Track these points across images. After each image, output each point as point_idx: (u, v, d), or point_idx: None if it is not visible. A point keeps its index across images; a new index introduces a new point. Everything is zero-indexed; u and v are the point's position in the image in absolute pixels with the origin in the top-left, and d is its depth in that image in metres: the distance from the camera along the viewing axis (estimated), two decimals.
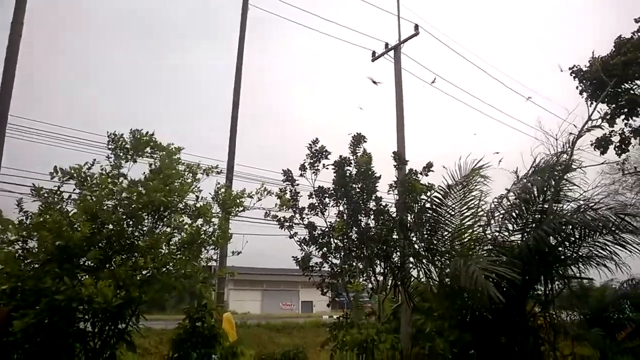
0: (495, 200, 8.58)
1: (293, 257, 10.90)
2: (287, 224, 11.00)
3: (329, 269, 10.80)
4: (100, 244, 6.86)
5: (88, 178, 7.35)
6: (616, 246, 7.42)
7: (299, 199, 11.11)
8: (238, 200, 8.26)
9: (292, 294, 46.46)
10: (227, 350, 7.84)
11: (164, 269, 7.05)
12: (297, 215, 11.01)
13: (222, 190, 8.35)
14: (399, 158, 11.49)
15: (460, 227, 8.46)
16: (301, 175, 11.11)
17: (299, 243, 10.92)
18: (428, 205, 9.08)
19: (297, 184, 11.16)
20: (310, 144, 11.13)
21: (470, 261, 6.63)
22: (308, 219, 11.01)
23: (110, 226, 7.03)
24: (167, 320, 14.49)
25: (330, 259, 10.75)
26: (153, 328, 12.50)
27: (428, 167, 10.65)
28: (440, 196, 8.58)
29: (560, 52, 68.81)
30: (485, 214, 8.59)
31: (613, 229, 7.31)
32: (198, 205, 7.80)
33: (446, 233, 8.72)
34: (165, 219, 7.51)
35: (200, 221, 7.70)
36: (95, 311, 6.37)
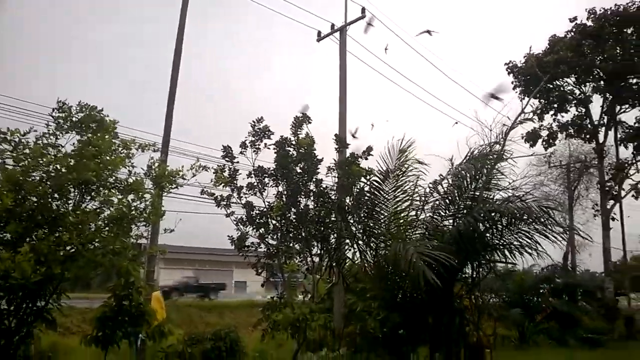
0: (430, 185, 8.81)
1: (229, 236, 10.71)
2: (224, 202, 10.75)
3: (265, 250, 10.70)
4: (22, 217, 6.42)
5: (21, 145, 6.83)
6: (538, 235, 7.84)
7: (237, 177, 10.88)
8: (172, 177, 7.95)
9: (225, 274, 45.95)
10: (154, 330, 7.61)
11: (90, 245, 6.70)
12: (235, 194, 10.79)
13: (156, 165, 8.00)
14: (340, 141, 11.52)
15: (396, 210, 8.64)
16: (241, 153, 10.86)
17: (235, 223, 10.71)
18: (367, 188, 9.18)
19: (237, 162, 10.92)
20: (253, 122, 10.90)
21: (409, 245, 6.79)
22: (246, 198, 10.82)
23: (35, 198, 6.60)
24: (93, 298, 13.89)
25: (267, 239, 10.65)
26: (76, 307, 11.93)
27: (368, 151, 10.74)
28: (378, 180, 8.71)
29: (503, 46, 71.54)
30: (420, 199, 8.82)
31: (537, 218, 7.71)
32: (130, 180, 7.44)
33: (382, 216, 8.89)
34: (93, 193, 7.12)
35: (131, 196, 7.35)
36: (12, 287, 5.96)
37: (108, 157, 7.10)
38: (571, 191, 29.26)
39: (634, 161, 24.63)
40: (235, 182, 10.79)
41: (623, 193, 25.01)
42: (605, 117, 24.74)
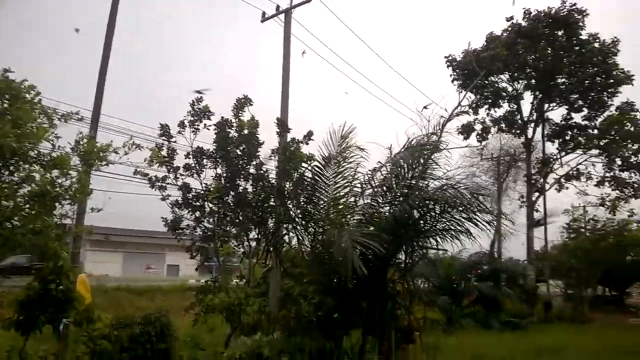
0: (369, 172, 8.90)
1: (162, 218, 10.33)
2: (159, 183, 10.34)
3: (201, 233, 10.43)
4: None
5: None
6: (469, 222, 8.13)
7: (175, 157, 10.48)
8: (102, 154, 7.54)
9: (157, 257, 44.75)
10: (81, 315, 7.24)
11: (8, 224, 6.24)
12: (171, 175, 10.40)
13: (85, 141, 7.55)
14: (282, 125, 11.36)
15: (336, 196, 8.68)
16: (179, 132, 10.46)
17: (171, 205, 10.35)
18: (307, 173, 9.14)
19: (174, 141, 10.52)
20: (193, 102, 10.52)
21: (343, 232, 6.83)
22: (183, 179, 10.46)
23: None
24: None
25: (203, 222, 10.37)
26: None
27: (308, 136, 10.68)
28: (320, 166, 8.71)
29: (447, 40, 73.29)
30: (359, 186, 8.90)
31: (468, 207, 7.99)
32: (54, 154, 6.97)
33: (322, 202, 8.90)
34: (12, 167, 6.61)
35: (55, 172, 6.90)
36: None
37: (29, 129, 6.61)
38: (500, 183, 30.76)
39: (558, 157, 26.15)
40: (172, 162, 10.41)
41: (547, 186, 26.51)
42: (535, 114, 26.09)
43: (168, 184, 10.36)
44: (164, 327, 8.68)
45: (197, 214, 10.25)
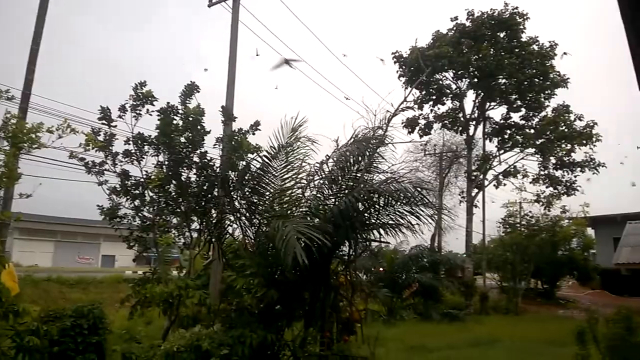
0: (317, 164, 8.87)
1: (98, 206, 9.83)
2: (97, 169, 9.83)
3: (140, 222, 10.02)
4: None
5: None
6: (412, 216, 8.28)
7: (113, 142, 9.98)
8: (33, 135, 7.07)
9: (92, 247, 42.99)
10: (7, 308, 6.78)
11: None
12: (110, 161, 9.90)
13: (13, 121, 7.05)
14: (227, 113, 11.10)
15: (282, 188, 8.60)
16: (120, 117, 9.95)
17: (108, 192, 9.86)
18: (253, 164, 9.00)
19: (115, 126, 10.01)
20: (135, 85, 10.03)
21: (288, 223, 6.76)
22: (122, 166, 9.99)
23: None
24: None
25: (142, 211, 9.96)
26: None
27: (255, 126, 10.47)
28: (268, 156, 8.61)
29: (396, 36, 74.19)
30: (306, 178, 8.85)
31: (411, 200, 8.12)
32: None
33: (268, 193, 8.79)
34: None
35: None
36: None
37: None
38: (442, 178, 31.73)
39: (497, 154, 27.17)
40: (111, 147, 9.91)
41: (486, 182, 27.52)
42: (476, 112, 26.96)
43: (106, 170, 9.86)
44: (97, 320, 8.34)
45: (137, 202, 9.83)
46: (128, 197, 9.83)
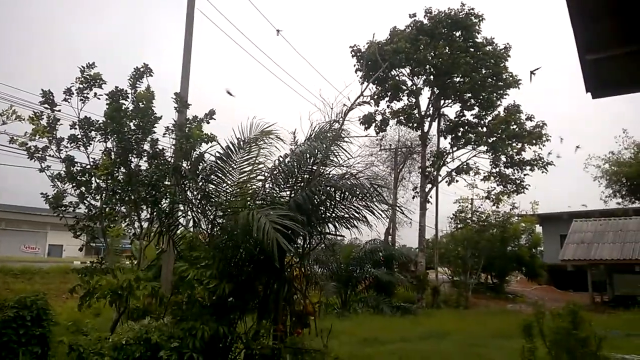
0: (280, 158, 8.81)
1: (42, 194, 9.35)
2: (39, 154, 9.33)
3: (87, 211, 9.61)
4: None
5: None
6: (366, 210, 8.36)
7: (58, 127, 9.49)
8: None
9: (38, 236, 41.20)
10: None
11: None
12: (54, 146, 9.43)
13: None
14: (181, 101, 10.79)
15: (239, 180, 8.51)
16: (65, 100, 9.47)
17: (51, 178, 9.38)
18: (208, 154, 8.84)
19: (59, 110, 9.52)
20: (82, 67, 9.55)
21: (260, 213, 6.73)
22: (67, 152, 9.52)
23: None
24: None
25: (89, 199, 9.55)
26: None
27: (210, 115, 10.21)
28: (228, 151, 8.55)
29: (355, 31, 74.49)
30: (264, 171, 8.79)
31: (367, 195, 8.20)
32: None
33: (224, 184, 8.67)
34: None
35: None
36: None
37: None
38: (397, 173, 32.25)
39: (450, 151, 27.81)
40: (54, 132, 9.43)
41: (440, 178, 28.13)
42: (431, 109, 27.48)
43: (49, 155, 9.38)
44: (41, 311, 8.02)
45: (83, 189, 9.41)
46: (73, 184, 9.40)
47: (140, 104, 9.53)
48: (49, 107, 9.35)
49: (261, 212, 6.88)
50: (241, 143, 8.64)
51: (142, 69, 9.91)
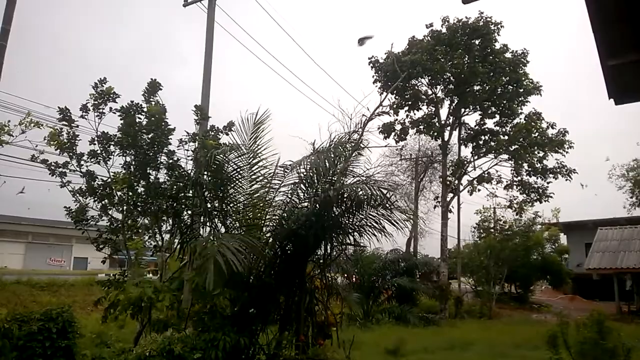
0: (291, 164, 8.85)
1: (65, 207, 9.54)
2: (60, 170, 9.51)
3: (109, 224, 9.75)
4: None
5: None
6: (387, 220, 8.30)
7: (77, 143, 9.68)
8: None
9: (63, 249, 41.99)
10: None
11: None
12: (74, 162, 9.61)
13: None
14: (201, 112, 10.92)
15: (251, 190, 8.58)
16: (82, 117, 9.66)
17: (72, 193, 9.57)
18: (227, 165, 8.90)
19: (77, 126, 9.72)
20: (95, 84, 9.75)
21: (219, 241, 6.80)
22: (87, 167, 9.70)
23: None
24: None
25: (111, 212, 9.70)
26: None
27: (229, 126, 10.31)
28: (236, 156, 8.62)
29: (373, 40, 74.55)
30: (278, 180, 8.84)
31: (387, 205, 8.15)
32: None
33: (239, 195, 8.74)
34: None
35: None
36: None
37: None
38: (417, 182, 31.98)
39: (471, 159, 27.53)
40: (74, 148, 9.61)
41: (461, 187, 27.84)
42: (451, 118, 27.28)
43: (71, 170, 9.55)
44: (67, 324, 8.11)
45: (105, 201, 9.56)
46: (95, 197, 9.56)
47: (152, 118, 9.65)
48: (66, 124, 9.55)
49: (222, 237, 6.99)
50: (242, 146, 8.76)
51: (153, 84, 10.04)
